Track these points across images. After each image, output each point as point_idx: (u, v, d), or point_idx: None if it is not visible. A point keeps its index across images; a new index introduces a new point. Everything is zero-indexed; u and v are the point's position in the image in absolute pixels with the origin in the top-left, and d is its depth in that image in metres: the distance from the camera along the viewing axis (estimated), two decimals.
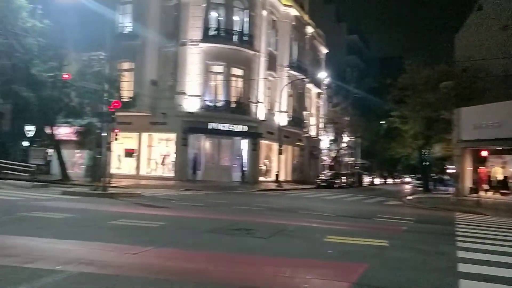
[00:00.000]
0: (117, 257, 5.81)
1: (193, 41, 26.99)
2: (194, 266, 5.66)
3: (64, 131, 25.77)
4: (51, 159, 27.64)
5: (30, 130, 27.12)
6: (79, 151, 27.59)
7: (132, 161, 28.26)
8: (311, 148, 40.84)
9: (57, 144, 24.13)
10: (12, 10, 19.95)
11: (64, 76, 17.34)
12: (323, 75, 40.21)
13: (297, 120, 34.86)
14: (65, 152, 24.99)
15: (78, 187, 19.20)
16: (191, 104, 26.66)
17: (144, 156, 28.18)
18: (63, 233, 7.20)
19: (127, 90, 26.28)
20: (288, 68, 33.15)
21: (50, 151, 27.25)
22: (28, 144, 28.77)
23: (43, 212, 9.78)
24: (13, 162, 22.17)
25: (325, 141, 46.75)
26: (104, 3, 21.19)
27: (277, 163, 29.62)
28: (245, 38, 28.32)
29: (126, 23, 27.49)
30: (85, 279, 4.69)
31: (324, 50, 44.52)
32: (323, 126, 45.71)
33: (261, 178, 29.69)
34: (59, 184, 20.79)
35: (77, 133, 23.98)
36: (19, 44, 20.83)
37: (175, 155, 27.32)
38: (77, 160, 28.70)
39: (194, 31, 27.06)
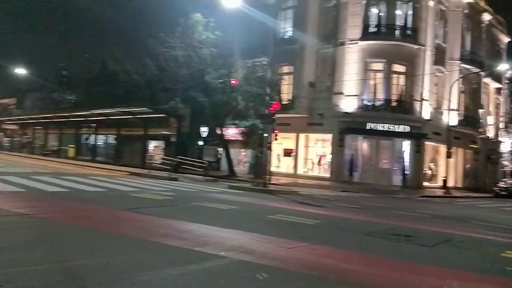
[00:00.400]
0: (273, 249, 6.01)
1: (352, 40, 26.50)
2: (349, 266, 5.47)
3: (231, 132, 28.28)
4: (221, 157, 30.63)
5: (204, 131, 30.59)
6: (244, 150, 29.89)
7: (290, 160, 29.24)
8: (488, 151, 35.77)
9: (226, 144, 26.60)
10: (191, 26, 22.81)
11: (232, 82, 19.04)
12: (503, 67, 34.77)
13: (471, 120, 30.94)
14: (232, 151, 27.40)
15: (242, 182, 20.77)
16: (348, 104, 26.22)
17: (301, 156, 28.85)
18: (227, 223, 7.82)
19: (286, 93, 27.34)
20: (460, 62, 29.68)
21: (220, 149, 30.21)
22: (203, 143, 32.51)
23: (212, 203, 10.85)
24: (191, 159, 25.35)
25: (507, 143, 40.35)
26: (266, 11, 22.41)
27: (445, 167, 26.77)
28: (408, 32, 26.45)
29: (287, 28, 28.63)
30: (244, 266, 4.96)
31: (505, 39, 38.50)
32: (503, 126, 39.56)
33: (425, 183, 27.31)
34: (226, 179, 22.88)
35: (242, 133, 26.00)
36: (196, 55, 23.69)
37: (331, 156, 27.24)
38: (242, 158, 31.13)
39: (353, 30, 26.55)
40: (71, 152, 34.32)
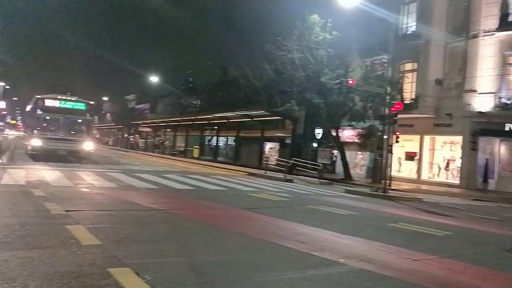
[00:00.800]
0: (397, 260, 5.58)
1: (487, 31, 23.66)
2: (488, 286, 4.80)
3: (347, 134, 27.53)
4: (336, 159, 30.05)
5: (319, 132, 30.34)
6: (360, 152, 28.86)
7: (412, 164, 27.34)
8: None
9: (341, 146, 25.99)
10: (307, 27, 22.81)
11: (349, 82, 18.50)
12: None
13: None
14: (348, 153, 26.64)
15: (359, 187, 20.04)
16: (482, 102, 23.43)
17: (426, 160, 26.72)
18: (345, 229, 7.53)
19: (409, 92, 25.63)
20: None
21: (335, 152, 29.65)
22: (317, 145, 32.28)
23: (328, 207, 10.61)
24: (305, 161, 25.34)
25: None
26: (387, 7, 21.31)
27: None
28: None
29: (410, 23, 26.84)
30: (365, 276, 4.68)
31: None
32: None
33: None
34: (341, 182, 22.33)
35: (359, 135, 25.12)
36: (312, 57, 23.61)
37: (461, 160, 24.68)
38: (358, 161, 30.10)
39: (488, 20, 23.68)
40: (196, 152, 37.06)
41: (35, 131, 19.23)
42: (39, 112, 19.28)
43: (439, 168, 26.28)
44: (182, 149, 39.94)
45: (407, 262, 5.48)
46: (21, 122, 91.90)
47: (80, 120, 20.38)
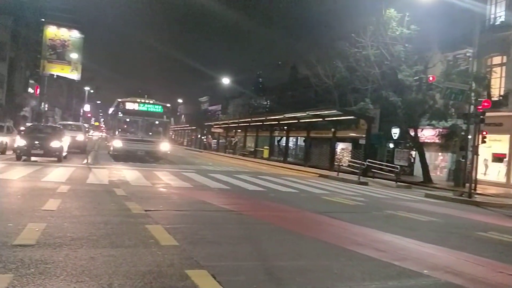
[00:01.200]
0: (488, 273, 5.06)
1: None
2: None
3: (427, 134, 25.98)
4: (414, 161, 28.47)
5: (395, 132, 28.95)
6: (441, 154, 27.09)
7: (501, 167, 25.04)
8: None
9: (420, 146, 24.57)
10: (383, 23, 21.83)
11: (429, 78, 17.42)
12: None
13: None
14: (428, 155, 25.10)
15: (440, 190, 18.76)
16: None
17: None
18: (427, 237, 7.02)
19: (497, 88, 23.51)
20: None
21: (413, 153, 28.11)
22: (393, 146, 30.83)
23: (407, 212, 10.00)
24: (380, 162, 24.28)
25: None
26: None
27: None
28: None
29: (498, 13, 24.60)
30: None
31: None
32: None
33: None
34: (421, 186, 21.07)
35: (440, 135, 23.56)
36: (388, 53, 22.58)
37: None
38: (439, 163, 28.28)
39: None
40: (266, 153, 37.27)
41: (116, 133, 20.37)
42: (120, 114, 20.45)
43: None
44: (252, 149, 40.41)
45: (501, 277, 4.95)
46: (104, 124, 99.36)
47: (158, 122, 21.17)
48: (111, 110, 25.32)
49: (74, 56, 51.45)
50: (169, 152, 21.87)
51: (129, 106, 20.54)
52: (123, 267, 3.96)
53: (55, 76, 57.78)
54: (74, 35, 55.48)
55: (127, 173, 13.90)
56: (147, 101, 21.63)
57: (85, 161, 16.76)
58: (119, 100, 21.15)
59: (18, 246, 4.35)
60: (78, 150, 22.36)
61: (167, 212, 7.33)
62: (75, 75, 56.66)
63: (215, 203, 8.78)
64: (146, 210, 7.11)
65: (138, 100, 21.24)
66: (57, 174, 11.82)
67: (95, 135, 69.15)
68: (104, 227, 5.62)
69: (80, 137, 23.86)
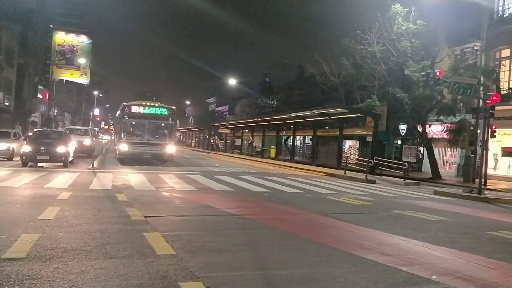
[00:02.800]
0: (502, 278, 4.81)
1: None
2: None
3: (435, 129, 25.58)
4: (422, 157, 28.07)
5: (403, 129, 28.55)
6: (450, 149, 26.66)
7: (511, 161, 24.59)
8: None
9: (429, 142, 24.20)
10: (388, 18, 21.50)
11: (436, 74, 17.09)
12: None
13: None
14: (436, 151, 24.71)
15: (449, 187, 18.42)
16: None
17: None
18: (436, 238, 6.77)
19: (506, 81, 23.05)
20: None
21: (421, 149, 27.71)
22: (401, 142, 30.42)
23: (416, 211, 9.73)
24: (388, 159, 23.94)
25: None
26: None
27: None
28: None
29: (507, 5, 24.13)
30: None
31: None
32: None
33: None
34: (430, 182, 20.73)
35: (448, 131, 23.17)
36: (394, 49, 22.24)
37: None
38: (448, 159, 27.86)
39: None
40: (273, 152, 37.04)
41: (122, 136, 20.27)
42: (125, 118, 20.41)
43: None
44: (259, 149, 40.20)
45: None
46: (113, 127, 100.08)
47: (163, 124, 21.06)
48: (117, 114, 25.24)
49: (82, 61, 51.75)
50: (175, 154, 21.76)
51: (134, 109, 20.49)
52: (114, 280, 3.79)
53: (64, 81, 58.22)
54: (82, 40, 55.86)
55: (132, 177, 13.79)
56: (152, 103, 21.53)
57: (91, 165, 16.69)
58: (124, 103, 21.15)
59: (7, 260, 4.20)
60: (85, 154, 22.29)
61: (167, 218, 7.17)
62: (84, 80, 57.05)
63: (218, 207, 8.60)
64: (146, 217, 6.96)
65: (143, 103, 21.24)
66: (60, 180, 11.74)
67: (105, 138, 69.49)
68: (100, 236, 5.47)
69: (87, 141, 23.82)
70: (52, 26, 58.55)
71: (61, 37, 54.46)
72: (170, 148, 20.59)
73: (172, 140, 21.23)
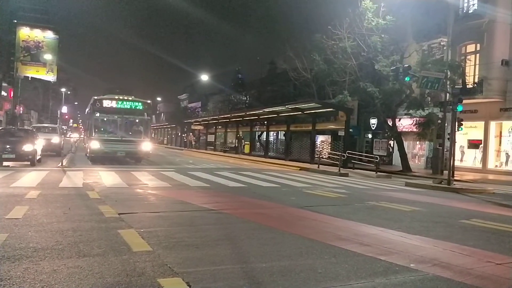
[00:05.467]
0: (476, 264, 4.92)
1: None
2: None
3: (405, 123, 26.17)
4: (393, 151, 28.69)
5: (374, 123, 29.09)
6: (419, 142, 27.37)
7: (477, 153, 25.49)
8: None
9: (399, 136, 24.73)
10: (359, 14, 21.79)
11: (405, 68, 17.44)
12: None
13: None
14: (406, 144, 25.28)
15: (419, 179, 18.90)
16: None
17: (492, 147, 24.79)
18: (411, 228, 6.89)
19: (471, 75, 23.82)
20: None
21: (392, 142, 28.31)
22: (372, 136, 31.01)
23: (390, 203, 9.90)
24: (360, 153, 24.33)
25: None
26: None
27: None
28: None
29: (471, 1, 24.91)
30: (442, 284, 4.10)
31: None
32: None
33: None
34: (400, 175, 21.19)
35: (417, 124, 23.77)
36: (364, 44, 22.57)
37: None
38: (417, 152, 28.59)
39: None
40: (247, 148, 37.02)
41: (93, 134, 18.93)
42: (97, 113, 19.08)
43: (507, 156, 24.28)
44: (233, 145, 40.07)
45: (489, 267, 4.81)
46: (82, 125, 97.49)
47: (138, 120, 19.94)
48: (87, 110, 23.69)
49: (49, 57, 49.89)
50: (151, 152, 20.68)
51: (106, 103, 19.13)
52: (89, 279, 3.63)
53: (30, 78, 56.11)
54: (48, 35, 53.89)
55: (103, 174, 13.42)
56: (125, 97, 19.84)
57: (60, 164, 16.14)
58: (95, 97, 19.49)
59: None
60: (54, 153, 21.44)
61: (142, 215, 6.98)
62: (51, 77, 55.10)
63: (194, 203, 8.47)
64: (120, 214, 6.75)
65: (116, 97, 19.62)
66: (28, 179, 11.28)
67: (74, 137, 67.42)
68: (72, 234, 5.25)
69: (55, 139, 22.74)
70: (16, 21, 56.27)
71: (26, 33, 52.41)
72: (146, 146, 19.56)
73: (147, 137, 20.12)
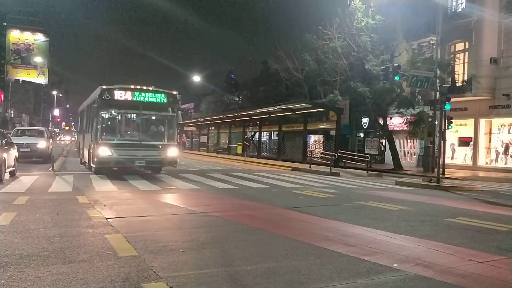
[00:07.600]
0: (459, 263, 5.01)
1: None
2: None
3: (396, 122, 26.36)
4: (384, 149, 28.88)
5: (365, 122, 29.26)
6: (410, 141, 27.58)
7: (467, 150, 25.76)
8: None
9: (390, 134, 24.90)
10: (348, 14, 21.94)
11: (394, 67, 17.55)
12: None
13: None
14: (397, 142, 25.47)
15: (410, 177, 19.05)
16: None
17: (482, 144, 25.07)
18: (398, 227, 6.98)
19: (460, 74, 24.06)
20: None
21: (383, 141, 28.50)
22: (363, 135, 31.19)
23: (378, 202, 10.00)
24: (351, 152, 24.46)
25: None
26: None
27: None
28: None
29: (460, 0, 25.17)
30: (423, 284, 4.18)
31: None
32: None
33: None
34: (391, 173, 21.35)
35: (408, 122, 23.97)
36: (354, 44, 22.72)
37: None
38: (409, 150, 28.81)
39: None
40: (239, 149, 37.06)
41: (101, 137, 13.75)
42: (105, 109, 14.07)
43: (497, 153, 24.57)
44: (225, 146, 40.10)
45: (471, 265, 4.90)
46: (74, 126, 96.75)
47: (161, 118, 15.03)
48: (88, 104, 17.40)
49: (39, 59, 49.69)
50: (178, 159, 15.17)
51: (119, 95, 13.96)
52: (72, 286, 3.66)
53: (20, 81, 55.73)
54: (39, 38, 53.63)
55: (93, 177, 13.37)
56: (144, 88, 14.51)
57: (50, 168, 15.99)
58: (104, 87, 14.15)
59: None
60: (41, 159, 18.92)
61: (130, 219, 7.00)
62: (42, 80, 54.89)
63: (183, 206, 8.50)
64: (107, 218, 6.78)
65: (132, 87, 14.35)
66: (17, 185, 11.20)
67: (65, 139, 66.93)
68: (59, 240, 5.27)
69: (42, 143, 19.54)
70: (5, 24, 55.79)
71: (16, 35, 52.17)
72: (172, 151, 14.53)
73: (173, 140, 15.04)
